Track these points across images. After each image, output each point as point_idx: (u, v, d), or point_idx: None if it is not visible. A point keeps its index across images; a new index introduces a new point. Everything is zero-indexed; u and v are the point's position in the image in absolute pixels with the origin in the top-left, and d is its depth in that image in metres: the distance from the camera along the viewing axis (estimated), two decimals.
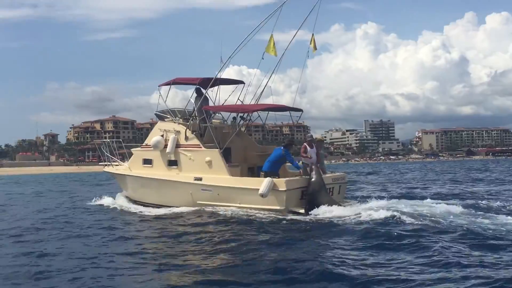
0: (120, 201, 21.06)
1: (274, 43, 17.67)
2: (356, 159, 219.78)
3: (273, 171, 16.50)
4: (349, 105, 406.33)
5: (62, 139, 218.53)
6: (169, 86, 20.34)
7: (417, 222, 12.82)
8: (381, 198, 18.48)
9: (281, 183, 15.61)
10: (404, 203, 16.41)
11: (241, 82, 20.69)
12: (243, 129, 20.19)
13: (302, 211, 15.40)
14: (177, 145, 18.57)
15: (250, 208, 16.02)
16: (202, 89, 19.68)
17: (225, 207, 16.57)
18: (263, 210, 15.72)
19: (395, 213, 13.74)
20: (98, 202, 21.68)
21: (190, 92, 20.21)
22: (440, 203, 16.12)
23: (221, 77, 19.51)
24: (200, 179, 17.48)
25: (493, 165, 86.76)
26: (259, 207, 15.86)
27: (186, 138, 18.41)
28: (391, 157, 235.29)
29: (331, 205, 15.19)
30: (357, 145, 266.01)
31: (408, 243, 10.67)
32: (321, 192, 15.54)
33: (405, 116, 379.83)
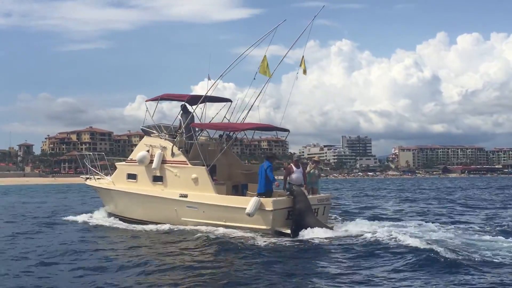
0: (100, 217, 20.95)
1: (267, 64, 17.81)
2: (335, 174, 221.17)
3: (268, 190, 16.58)
4: (323, 121, 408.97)
5: (36, 150, 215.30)
6: (156, 101, 20.32)
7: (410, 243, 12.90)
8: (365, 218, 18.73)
9: (268, 202, 15.68)
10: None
11: (228, 100, 20.82)
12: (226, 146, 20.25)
13: (288, 231, 15.44)
14: (163, 161, 18.60)
15: (236, 227, 16.02)
16: (188, 105, 19.79)
17: (210, 225, 16.58)
18: (249, 230, 15.75)
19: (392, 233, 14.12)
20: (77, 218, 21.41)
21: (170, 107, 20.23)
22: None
23: (207, 94, 19.57)
24: (186, 196, 17.49)
25: (481, 183, 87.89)
26: (245, 226, 15.89)
27: (173, 154, 18.44)
28: (369, 173, 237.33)
29: (318, 227, 15.28)
30: (335, 161, 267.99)
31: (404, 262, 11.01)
32: (307, 213, 15.62)
33: (378, 132, 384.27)
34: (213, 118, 20.32)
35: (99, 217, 21.04)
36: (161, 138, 19.27)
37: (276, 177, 16.92)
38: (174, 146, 18.47)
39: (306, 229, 15.20)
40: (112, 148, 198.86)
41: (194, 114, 19.69)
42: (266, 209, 15.60)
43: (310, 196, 16.59)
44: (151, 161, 18.79)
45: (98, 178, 22.19)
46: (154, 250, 13.56)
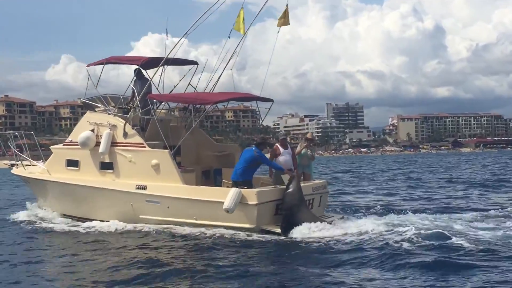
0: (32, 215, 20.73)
1: (243, 19, 17.72)
2: (319, 152, 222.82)
3: (247, 180, 16.49)
4: (300, 84, 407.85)
5: None
6: (101, 66, 20.05)
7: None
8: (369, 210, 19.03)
9: (251, 195, 15.67)
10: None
11: (194, 62, 20.66)
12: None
13: (278, 230, 15.56)
14: (113, 143, 18.40)
15: (210, 226, 16.08)
16: (143, 71, 19.60)
17: (177, 224, 16.63)
18: (227, 229, 15.82)
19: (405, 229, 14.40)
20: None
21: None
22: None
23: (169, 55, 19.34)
24: (144, 187, 17.41)
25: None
26: (222, 225, 15.94)
27: (125, 135, 18.25)
28: (362, 149, 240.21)
29: (314, 223, 15.46)
30: (320, 134, 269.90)
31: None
32: (300, 206, 15.74)
33: (368, 98, 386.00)
34: (175, 86, 20.25)
35: (30, 215, 20.74)
36: (109, 113, 19.07)
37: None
38: (127, 124, 18.29)
39: (299, 226, 15.34)
40: (35, 122, 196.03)
41: (151, 81, 19.48)
42: (249, 202, 15.60)
43: (302, 184, 16.69)
44: (97, 144, 18.59)
45: (27, 165, 21.85)
46: (100, 258, 13.50)
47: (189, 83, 20.38)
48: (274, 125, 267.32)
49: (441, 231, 14.24)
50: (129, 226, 17.39)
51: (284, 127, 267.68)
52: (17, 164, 22.27)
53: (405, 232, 14.20)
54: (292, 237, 15.04)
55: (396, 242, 13.42)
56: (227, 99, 18.75)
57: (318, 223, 15.52)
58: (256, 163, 16.76)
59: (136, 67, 19.63)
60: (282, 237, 15.16)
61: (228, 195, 15.54)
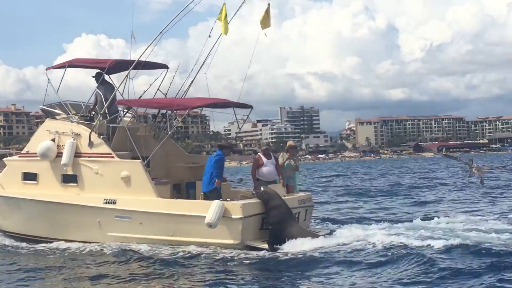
0: None
1: (226, 15, 17.61)
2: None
3: (217, 190, 16.50)
4: (247, 88, 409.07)
5: None
6: (63, 69, 19.68)
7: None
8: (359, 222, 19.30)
9: (236, 208, 15.62)
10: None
11: (164, 66, 20.42)
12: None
13: (265, 246, 15.56)
14: (77, 154, 18.04)
15: (189, 243, 15.96)
16: (106, 76, 19.39)
17: (150, 242, 16.46)
18: (209, 245, 15.74)
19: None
20: None
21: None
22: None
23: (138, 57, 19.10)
24: (114, 201, 17.14)
25: None
26: (202, 241, 15.86)
27: (91, 144, 17.90)
28: (320, 155, 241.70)
29: (305, 237, 15.50)
30: (274, 140, 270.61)
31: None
32: (288, 221, 15.76)
33: (319, 102, 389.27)
34: (145, 92, 19.98)
35: None
36: (72, 121, 18.73)
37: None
38: (93, 133, 17.97)
39: (287, 241, 15.38)
40: None
41: (119, 86, 19.19)
42: (233, 216, 15.53)
43: (287, 197, 16.71)
44: (59, 155, 18.23)
45: None
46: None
47: (158, 89, 20.14)
48: (225, 130, 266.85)
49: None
50: (94, 246, 17.08)
51: (236, 132, 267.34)
52: None
53: (402, 241, 14.84)
54: (282, 252, 15.03)
55: (395, 251, 13.94)
56: (206, 104, 18.54)
57: (309, 237, 15.57)
58: (220, 168, 16.77)
59: (98, 71, 19.35)
60: (269, 253, 15.11)
61: (210, 208, 15.40)
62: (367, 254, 14.01)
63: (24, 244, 18.28)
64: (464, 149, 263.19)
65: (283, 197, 16.36)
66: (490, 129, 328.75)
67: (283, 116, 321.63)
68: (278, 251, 15.16)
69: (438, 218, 19.69)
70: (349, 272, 12.62)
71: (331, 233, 17.41)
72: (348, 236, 16.09)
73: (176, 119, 20.36)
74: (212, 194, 16.32)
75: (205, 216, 15.31)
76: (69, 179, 18.17)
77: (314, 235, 16.00)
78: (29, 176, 18.97)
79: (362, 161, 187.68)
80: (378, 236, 15.58)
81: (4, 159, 20.57)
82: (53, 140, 18.49)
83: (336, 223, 20.07)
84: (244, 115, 18.98)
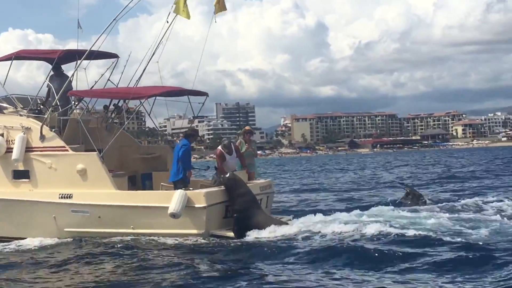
0: None
1: (185, 2, 17.34)
2: (212, 155, 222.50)
3: (184, 180, 16.33)
4: (178, 84, 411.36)
5: None
6: (9, 61, 19.08)
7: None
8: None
9: (199, 196, 15.51)
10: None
11: (114, 55, 20.01)
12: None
13: (230, 234, 15.50)
14: (28, 149, 17.51)
15: (151, 235, 15.75)
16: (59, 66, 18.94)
17: (110, 236, 16.13)
18: (171, 236, 15.54)
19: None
20: None
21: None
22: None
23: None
24: (70, 196, 16.74)
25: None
26: (165, 233, 15.65)
27: (42, 138, 17.40)
28: (257, 152, 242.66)
29: (270, 223, 15.52)
30: (211, 137, 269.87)
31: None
32: (253, 210, 15.71)
33: (250, 98, 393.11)
34: (96, 82, 19.51)
35: None
36: (21, 115, 18.18)
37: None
38: (44, 126, 17.46)
39: (254, 229, 15.36)
40: None
41: (72, 77, 18.72)
42: (197, 205, 15.41)
43: (249, 184, 16.69)
44: (8, 150, 17.64)
45: None
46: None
47: (109, 79, 19.76)
48: (160, 127, 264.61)
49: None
50: (41, 242, 16.64)
51: (172, 129, 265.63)
52: None
53: (360, 228, 15.04)
54: (248, 240, 15.03)
55: (356, 239, 14.07)
56: (162, 92, 18.18)
57: (276, 225, 15.57)
58: (187, 156, 16.58)
59: (46, 62, 18.94)
60: (235, 241, 15.06)
61: (173, 198, 15.23)
62: (331, 241, 14.05)
63: None
64: (398, 145, 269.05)
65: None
66: (421, 125, 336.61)
67: (219, 113, 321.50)
68: (245, 239, 15.12)
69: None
70: (315, 259, 12.61)
71: (294, 220, 17.45)
72: (311, 223, 16.13)
73: (128, 110, 19.92)
74: (179, 184, 16.13)
75: (167, 207, 15.14)
76: (20, 174, 17.64)
77: (280, 222, 16.01)
78: None
79: (299, 157, 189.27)
80: (335, 224, 15.72)
81: None
82: (2, 135, 17.91)
83: (297, 212, 20.16)
84: (199, 103, 18.73)
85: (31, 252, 15.82)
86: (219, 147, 17.24)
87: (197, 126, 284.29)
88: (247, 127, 19.46)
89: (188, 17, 17.47)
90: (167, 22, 17.66)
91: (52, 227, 16.87)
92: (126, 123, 17.93)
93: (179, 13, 17.37)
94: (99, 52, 18.71)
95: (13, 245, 16.71)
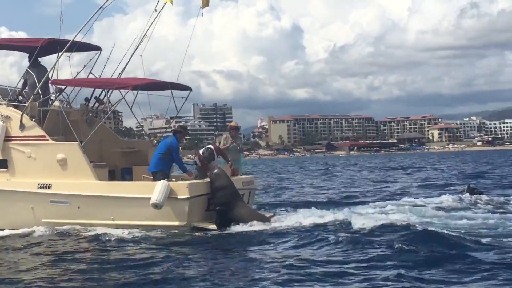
0: None
1: None
2: (190, 156, 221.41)
3: (163, 171, 16.19)
4: None
5: None
6: None
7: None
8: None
9: (182, 188, 15.41)
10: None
11: (97, 48, 19.77)
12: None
13: (212, 226, 15.40)
14: (7, 138, 17.23)
15: (132, 226, 15.55)
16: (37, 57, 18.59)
17: (90, 226, 15.92)
18: (153, 228, 15.40)
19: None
20: None
21: None
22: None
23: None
24: (49, 186, 16.51)
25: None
26: (147, 224, 15.49)
27: (22, 127, 17.14)
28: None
29: (253, 219, 15.46)
30: (189, 137, 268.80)
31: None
32: (236, 203, 15.61)
33: (226, 100, 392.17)
34: (78, 73, 19.27)
35: None
36: (0, 104, 17.89)
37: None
38: (24, 115, 17.22)
39: (236, 221, 15.35)
40: None
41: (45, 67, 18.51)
42: (179, 197, 15.29)
43: (232, 178, 16.55)
44: None
45: None
46: None
47: (90, 71, 19.49)
48: (137, 127, 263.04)
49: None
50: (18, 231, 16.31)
51: (149, 129, 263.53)
52: None
53: (340, 222, 15.37)
54: (230, 232, 15.03)
55: (335, 232, 14.14)
56: (145, 83, 17.93)
57: (259, 219, 15.56)
58: (168, 153, 16.40)
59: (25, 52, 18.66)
60: (217, 233, 15.04)
61: (155, 188, 15.11)
62: (316, 233, 14.07)
63: None
64: (375, 148, 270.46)
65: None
66: (398, 129, 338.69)
67: (196, 113, 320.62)
68: (227, 231, 15.09)
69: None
70: (297, 251, 12.57)
71: (275, 215, 17.46)
72: (294, 218, 16.24)
73: (109, 103, 19.68)
74: (158, 175, 15.97)
75: (149, 198, 15.01)
76: None
77: (262, 216, 16.02)
78: None
79: (277, 158, 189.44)
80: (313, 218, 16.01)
81: None
82: None
83: (280, 207, 20.34)
84: (182, 97, 18.59)
85: (5, 242, 15.48)
86: (201, 154, 16.92)
87: (174, 126, 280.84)
88: (233, 123, 19.24)
89: (172, 2, 17.31)
90: (155, 10, 17.63)
91: (30, 218, 16.58)
92: (108, 113, 17.58)
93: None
94: (81, 43, 18.53)
95: None
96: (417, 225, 14.47)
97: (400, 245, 12.10)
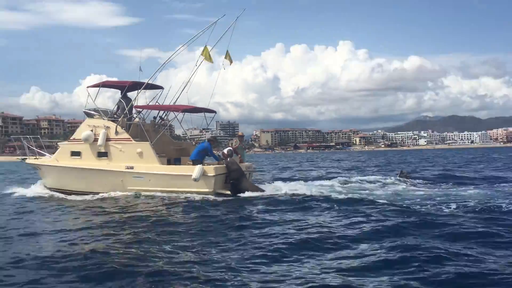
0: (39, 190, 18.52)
1: (209, 53, 16.85)
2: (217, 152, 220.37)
3: (199, 160, 15.85)
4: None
5: None
6: (97, 88, 18.39)
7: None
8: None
9: (211, 169, 15.10)
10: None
11: (160, 87, 19.46)
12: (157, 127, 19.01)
13: (228, 192, 15.09)
14: (107, 139, 16.98)
15: (181, 192, 15.21)
16: (126, 92, 18.28)
17: (156, 191, 15.56)
18: (193, 193, 15.03)
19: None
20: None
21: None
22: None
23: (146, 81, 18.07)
24: (132, 167, 16.20)
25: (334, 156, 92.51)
26: (189, 190, 15.14)
27: (116, 133, 16.91)
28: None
29: (254, 190, 15.08)
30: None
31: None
32: (242, 179, 15.31)
33: (234, 119, 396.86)
34: (149, 102, 18.86)
35: (39, 191, 18.55)
36: (103, 119, 17.58)
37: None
38: (118, 126, 16.96)
39: (243, 191, 14.93)
40: (23, 130, 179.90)
41: (131, 99, 18.15)
42: (209, 174, 15.03)
43: (241, 164, 16.21)
44: (95, 140, 17.08)
45: (35, 158, 19.62)
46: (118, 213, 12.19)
47: (157, 101, 19.15)
48: (183, 135, 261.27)
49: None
50: (113, 194, 15.97)
51: (190, 135, 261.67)
52: (28, 157, 19.96)
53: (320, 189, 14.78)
54: (240, 196, 14.63)
55: (317, 196, 13.43)
56: (190, 109, 17.64)
57: (256, 190, 15.16)
58: (205, 151, 16.05)
59: (122, 88, 18.19)
60: (231, 197, 14.68)
61: (195, 169, 14.86)
62: (297, 199, 13.37)
63: (72, 197, 16.89)
64: (322, 148, 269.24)
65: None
66: (335, 137, 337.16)
67: (217, 126, 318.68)
68: (237, 195, 14.78)
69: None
70: (283, 211, 11.81)
71: (267, 185, 17.04)
72: (281, 187, 15.76)
73: (167, 119, 19.37)
74: (196, 162, 15.65)
75: (191, 175, 14.77)
76: (102, 154, 17.05)
77: (258, 188, 15.63)
78: (75, 153, 17.68)
79: (265, 154, 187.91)
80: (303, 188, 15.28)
81: (58, 143, 19.14)
82: (92, 130, 17.37)
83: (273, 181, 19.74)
84: (210, 117, 18.18)
85: (100, 201, 15.16)
86: (226, 151, 16.26)
87: (204, 134, 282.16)
88: (240, 133, 19.09)
89: (211, 61, 16.94)
90: (196, 65, 17.34)
91: (120, 186, 16.33)
92: (167, 125, 17.26)
93: (206, 59, 16.89)
94: (151, 84, 18.28)
95: (97, 196, 16.17)
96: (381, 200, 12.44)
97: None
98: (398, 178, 19.07)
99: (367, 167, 33.96)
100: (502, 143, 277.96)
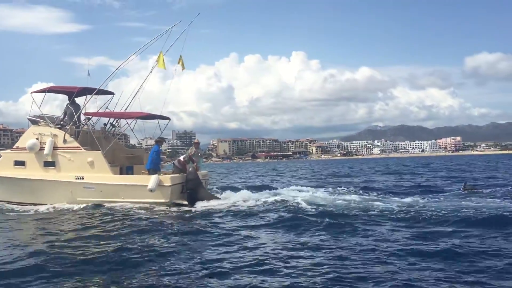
0: None
1: (163, 59, 16.28)
2: (171, 162, 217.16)
3: (155, 169, 15.26)
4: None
5: None
6: (43, 93, 17.38)
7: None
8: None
9: (167, 179, 14.58)
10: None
11: (111, 93, 18.68)
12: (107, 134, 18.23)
13: (185, 202, 14.58)
14: (55, 148, 16.03)
15: (135, 202, 14.56)
16: (74, 98, 17.38)
17: (108, 202, 14.78)
18: (149, 204, 14.44)
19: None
20: None
21: None
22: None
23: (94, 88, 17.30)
24: (82, 178, 15.35)
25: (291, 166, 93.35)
26: (144, 201, 14.52)
27: (65, 141, 16.02)
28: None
29: (210, 199, 14.71)
30: (170, 151, 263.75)
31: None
32: (199, 189, 14.87)
33: (189, 128, 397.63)
34: (100, 108, 18.07)
35: None
36: (50, 127, 16.60)
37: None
38: (66, 134, 16.06)
39: (200, 201, 14.47)
40: None
41: (79, 105, 17.28)
42: (165, 184, 14.49)
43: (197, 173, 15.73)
44: (41, 148, 16.09)
45: None
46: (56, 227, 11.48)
47: (107, 107, 18.35)
48: (138, 145, 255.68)
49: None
50: (60, 206, 15.03)
51: (146, 145, 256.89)
52: None
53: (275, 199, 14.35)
54: (196, 207, 14.13)
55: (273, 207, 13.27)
56: (144, 115, 16.96)
57: (212, 199, 14.80)
58: (157, 154, 15.43)
59: (71, 94, 17.29)
60: (188, 207, 14.15)
61: (150, 179, 14.27)
62: (254, 209, 13.26)
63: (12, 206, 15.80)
64: (279, 157, 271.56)
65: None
66: (293, 146, 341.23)
67: (173, 136, 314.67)
68: (194, 206, 14.28)
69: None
70: (240, 221, 11.73)
71: (222, 195, 16.66)
72: (236, 197, 15.44)
73: (118, 126, 18.56)
74: (151, 171, 15.10)
75: (147, 185, 14.18)
76: (49, 164, 16.13)
77: (214, 196, 15.25)
78: (19, 163, 16.59)
79: (223, 164, 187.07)
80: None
81: (0, 152, 17.89)
82: (37, 139, 16.34)
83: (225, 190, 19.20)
84: (164, 124, 17.58)
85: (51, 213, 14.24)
86: (182, 159, 15.92)
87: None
88: (196, 140, 18.47)
89: (164, 67, 16.42)
90: (151, 71, 16.76)
91: (69, 197, 15.47)
92: (120, 134, 16.53)
93: (159, 65, 16.34)
94: (102, 90, 17.48)
95: (43, 208, 15.09)
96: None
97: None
98: (462, 191, 17.38)
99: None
100: (450, 151, 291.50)
